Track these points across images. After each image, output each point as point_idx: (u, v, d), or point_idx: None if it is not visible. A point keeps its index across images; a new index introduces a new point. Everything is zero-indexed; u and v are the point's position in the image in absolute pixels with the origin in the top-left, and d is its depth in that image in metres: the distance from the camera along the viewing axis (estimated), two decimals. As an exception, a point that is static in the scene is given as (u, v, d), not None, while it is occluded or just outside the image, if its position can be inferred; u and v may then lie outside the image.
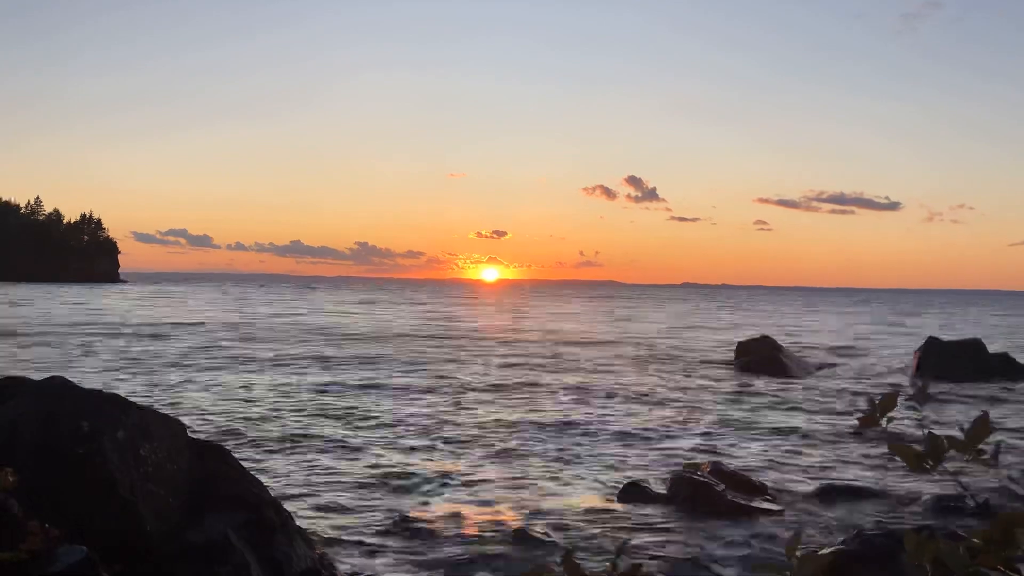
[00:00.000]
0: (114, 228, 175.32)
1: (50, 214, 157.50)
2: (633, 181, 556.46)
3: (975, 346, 26.86)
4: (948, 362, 25.55)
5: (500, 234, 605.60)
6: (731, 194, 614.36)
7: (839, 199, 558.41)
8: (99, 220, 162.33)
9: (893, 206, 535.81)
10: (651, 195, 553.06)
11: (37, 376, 6.72)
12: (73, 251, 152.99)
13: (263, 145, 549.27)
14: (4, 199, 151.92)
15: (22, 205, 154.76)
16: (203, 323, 48.78)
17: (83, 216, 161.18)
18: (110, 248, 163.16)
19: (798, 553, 1.64)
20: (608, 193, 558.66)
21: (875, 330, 56.08)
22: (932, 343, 27.12)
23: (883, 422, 1.67)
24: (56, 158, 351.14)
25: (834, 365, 30.62)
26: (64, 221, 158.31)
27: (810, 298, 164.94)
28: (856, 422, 1.73)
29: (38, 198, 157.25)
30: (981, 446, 1.63)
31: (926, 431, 1.64)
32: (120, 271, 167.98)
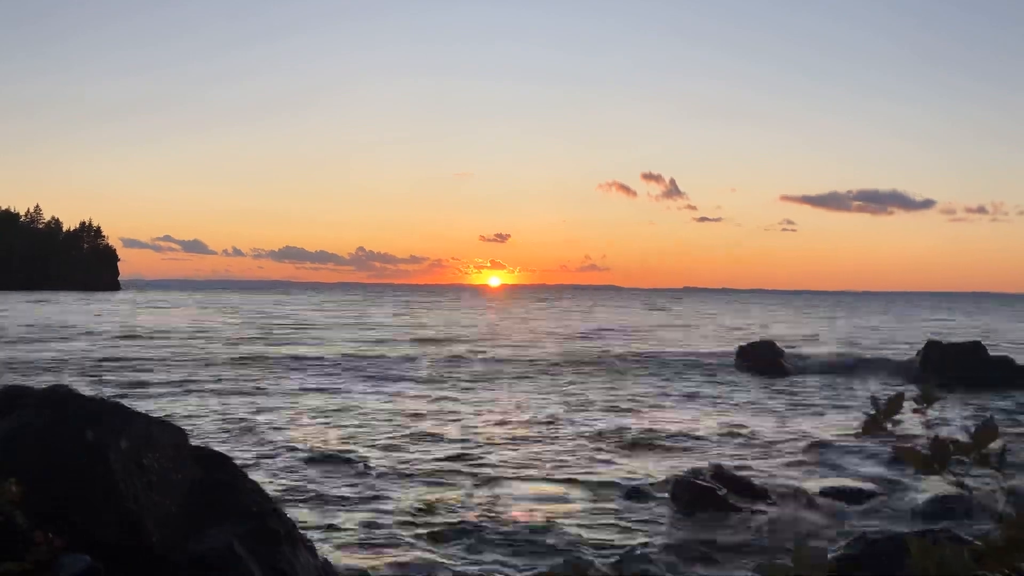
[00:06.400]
0: (106, 234, 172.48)
1: (49, 222, 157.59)
2: (652, 178, 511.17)
3: (975, 349, 26.86)
4: (948, 364, 25.55)
5: (504, 237, 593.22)
6: (754, 192, 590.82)
7: (871, 196, 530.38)
8: (98, 228, 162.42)
9: (927, 204, 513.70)
10: (673, 191, 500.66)
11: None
12: (73, 259, 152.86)
13: (259, 150, 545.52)
14: (3, 208, 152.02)
15: (21, 213, 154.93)
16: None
17: (82, 224, 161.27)
18: (110, 256, 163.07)
19: (803, 557, 1.64)
20: (627, 191, 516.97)
21: (879, 333, 56.06)
22: (932, 345, 27.12)
23: (888, 425, 1.67)
24: (47, 164, 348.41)
25: (835, 368, 30.57)
26: (63, 229, 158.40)
27: (813, 300, 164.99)
28: (860, 424, 1.74)
29: (37, 206, 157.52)
30: (986, 450, 1.63)
31: (932, 434, 1.65)
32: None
